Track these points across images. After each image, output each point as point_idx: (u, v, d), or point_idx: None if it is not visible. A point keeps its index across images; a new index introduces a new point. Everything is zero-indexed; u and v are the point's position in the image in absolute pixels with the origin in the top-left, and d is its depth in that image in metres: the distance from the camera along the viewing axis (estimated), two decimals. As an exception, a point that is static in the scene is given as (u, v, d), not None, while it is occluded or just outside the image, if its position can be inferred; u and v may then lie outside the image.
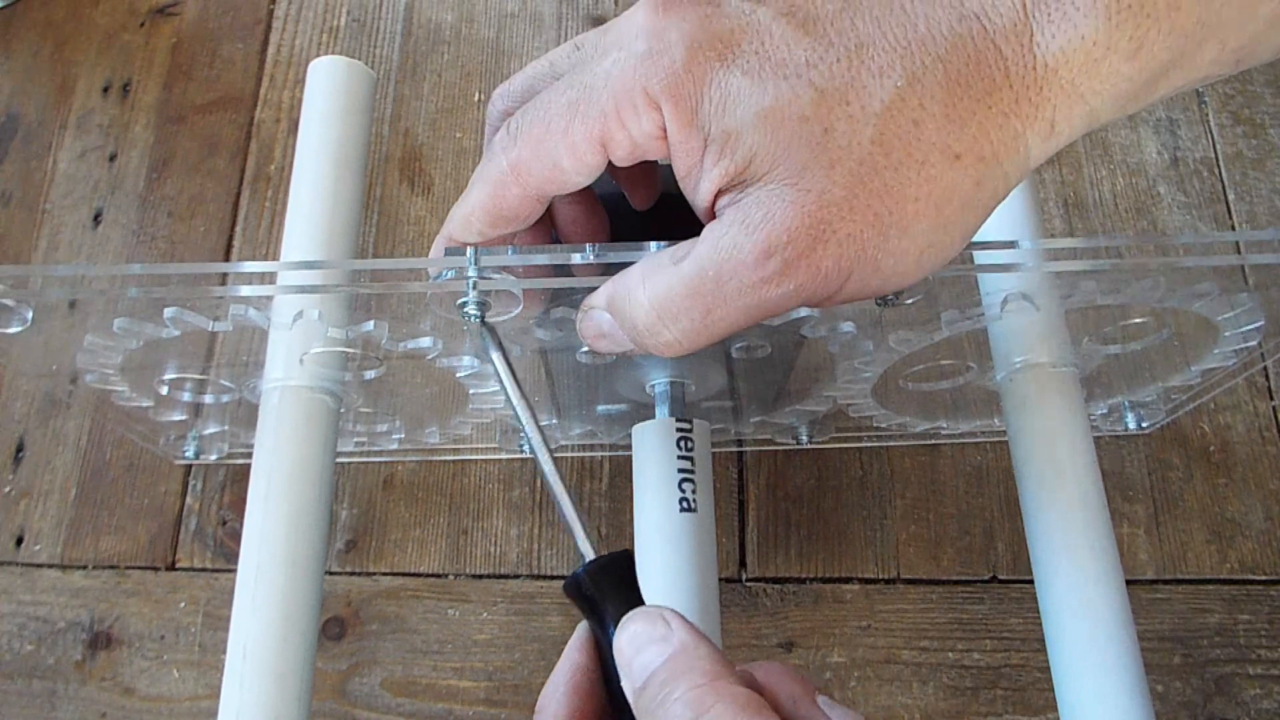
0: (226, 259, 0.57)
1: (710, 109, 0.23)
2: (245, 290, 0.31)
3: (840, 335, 0.34)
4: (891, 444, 0.50)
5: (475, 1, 0.64)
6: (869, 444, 0.50)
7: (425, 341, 0.35)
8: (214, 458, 0.51)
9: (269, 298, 0.34)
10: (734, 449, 0.51)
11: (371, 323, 0.34)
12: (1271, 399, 0.51)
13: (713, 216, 0.25)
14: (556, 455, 0.50)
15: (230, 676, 0.34)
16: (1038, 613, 0.36)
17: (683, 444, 0.38)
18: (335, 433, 0.38)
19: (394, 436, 0.48)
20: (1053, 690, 0.35)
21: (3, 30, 0.66)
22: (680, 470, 0.37)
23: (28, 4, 0.66)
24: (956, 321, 0.35)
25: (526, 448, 0.28)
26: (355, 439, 0.49)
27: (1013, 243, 0.30)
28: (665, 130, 0.24)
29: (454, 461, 0.52)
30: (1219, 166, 0.56)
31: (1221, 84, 0.58)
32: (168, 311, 0.32)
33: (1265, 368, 0.51)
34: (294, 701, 0.34)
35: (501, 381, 0.29)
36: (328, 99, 0.43)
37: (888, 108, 0.23)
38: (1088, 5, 0.22)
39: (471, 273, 0.28)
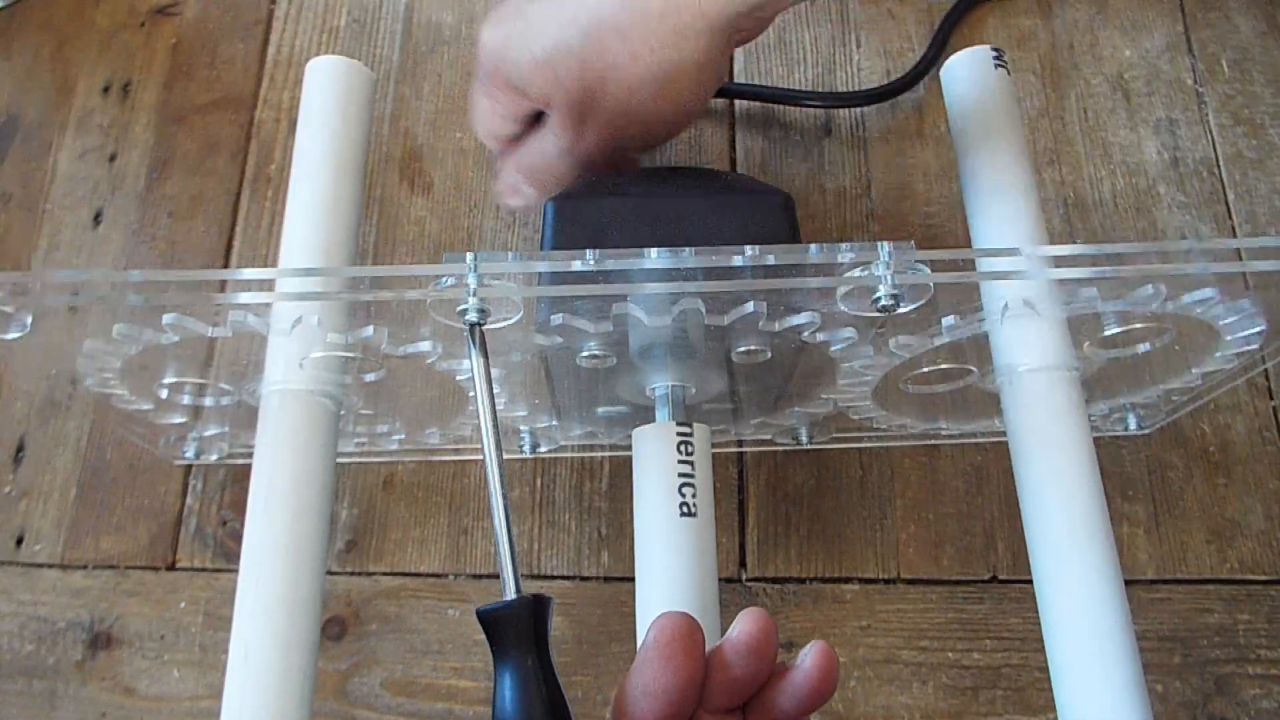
0: (227, 259, 0.57)
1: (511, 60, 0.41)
2: (244, 297, 0.31)
3: (841, 340, 0.34)
4: (891, 444, 0.50)
5: (476, 2, 0.64)
6: (869, 444, 0.50)
7: (425, 345, 0.35)
8: (214, 458, 0.51)
9: (268, 304, 0.34)
10: (734, 449, 0.51)
11: (371, 328, 0.34)
12: (1271, 399, 0.51)
13: None
14: (556, 456, 0.51)
15: (232, 679, 0.33)
16: (1038, 613, 0.36)
17: (683, 448, 0.38)
18: (335, 435, 0.38)
19: (394, 438, 0.48)
20: (1053, 690, 0.35)
21: (3, 30, 0.66)
22: (681, 475, 0.37)
23: (28, 4, 0.66)
24: (957, 327, 0.35)
25: (487, 453, 0.29)
26: (356, 440, 0.49)
27: (1014, 250, 0.30)
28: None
29: (454, 462, 0.52)
30: (1219, 166, 0.56)
31: (1221, 84, 0.58)
32: (167, 318, 0.32)
33: (1266, 369, 0.51)
34: (296, 703, 0.34)
35: (476, 390, 0.29)
36: (326, 99, 0.43)
37: None
38: None
39: (471, 280, 0.28)
